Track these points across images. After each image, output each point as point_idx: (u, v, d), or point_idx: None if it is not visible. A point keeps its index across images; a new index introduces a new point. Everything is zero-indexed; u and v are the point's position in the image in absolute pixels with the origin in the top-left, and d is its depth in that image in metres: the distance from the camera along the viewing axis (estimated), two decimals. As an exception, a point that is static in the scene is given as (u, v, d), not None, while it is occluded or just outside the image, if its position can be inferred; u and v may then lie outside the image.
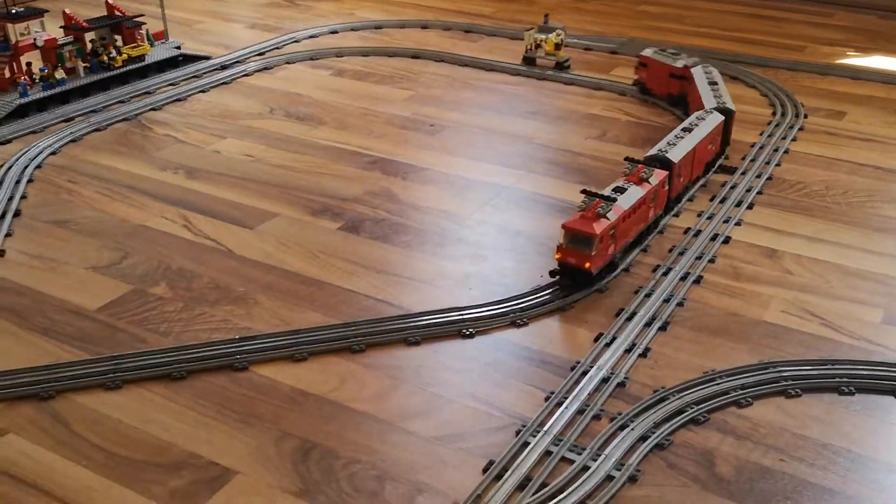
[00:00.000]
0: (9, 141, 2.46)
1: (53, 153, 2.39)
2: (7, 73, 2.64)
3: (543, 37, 3.09)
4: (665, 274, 1.82)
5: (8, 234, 1.96)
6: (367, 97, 2.88)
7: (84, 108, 2.69)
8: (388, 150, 2.49)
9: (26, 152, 2.36)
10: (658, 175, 1.91)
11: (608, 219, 1.71)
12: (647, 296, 1.74)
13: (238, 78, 3.03)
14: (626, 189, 1.81)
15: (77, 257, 1.89)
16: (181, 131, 2.58)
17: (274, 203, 2.16)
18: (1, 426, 1.38)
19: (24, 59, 2.68)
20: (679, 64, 2.68)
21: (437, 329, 1.64)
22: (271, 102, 2.82)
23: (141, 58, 2.96)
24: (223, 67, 3.11)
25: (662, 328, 1.65)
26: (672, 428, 1.39)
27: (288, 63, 3.18)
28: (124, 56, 2.90)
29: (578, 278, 1.75)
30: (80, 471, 1.30)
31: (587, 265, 1.70)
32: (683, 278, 1.81)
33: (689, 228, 2.03)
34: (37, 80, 2.68)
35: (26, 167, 2.28)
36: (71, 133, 2.50)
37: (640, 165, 1.91)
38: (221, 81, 2.98)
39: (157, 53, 3.04)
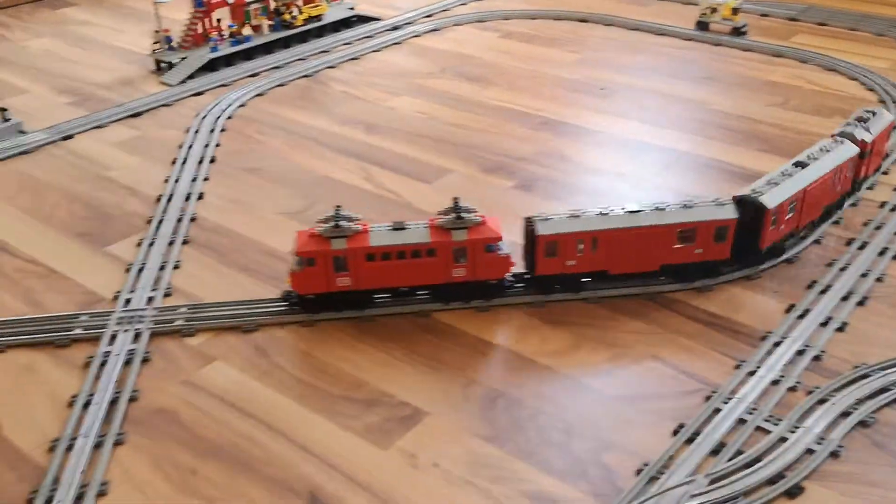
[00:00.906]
0: (201, 93, 2.57)
1: (241, 105, 2.48)
2: (200, 29, 2.75)
3: (720, 1, 2.94)
4: (861, 248, 1.70)
5: (206, 179, 2.05)
6: (536, 59, 2.83)
7: (267, 65, 2.77)
8: (558, 111, 2.44)
9: (218, 104, 2.46)
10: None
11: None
12: (843, 269, 1.63)
13: (408, 39, 3.05)
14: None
15: (268, 202, 1.95)
16: (358, 88, 2.62)
17: (449, 159, 2.16)
18: (210, 354, 1.45)
19: (214, 16, 2.79)
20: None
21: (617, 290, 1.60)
22: (441, 63, 2.82)
23: (319, 17, 3.03)
24: (394, 28, 3.13)
25: (860, 303, 1.55)
26: (877, 406, 1.30)
27: (456, 25, 3.17)
28: (305, 15, 2.97)
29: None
30: (281, 398, 1.35)
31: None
32: (881, 253, 1.68)
33: (884, 203, 1.89)
34: (226, 37, 2.78)
35: (218, 118, 2.38)
36: (257, 87, 2.59)
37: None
38: (393, 42, 3.01)
39: (333, 14, 3.10)
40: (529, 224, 1.58)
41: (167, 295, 1.61)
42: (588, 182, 2.04)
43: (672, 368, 1.41)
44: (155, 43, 2.71)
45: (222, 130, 2.30)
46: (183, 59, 2.68)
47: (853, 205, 1.88)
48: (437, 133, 2.31)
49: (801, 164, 1.69)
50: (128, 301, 1.58)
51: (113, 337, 1.47)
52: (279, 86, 2.62)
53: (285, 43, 2.92)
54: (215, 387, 1.37)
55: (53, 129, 2.29)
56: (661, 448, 1.24)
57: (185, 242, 1.78)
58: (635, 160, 2.14)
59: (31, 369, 1.42)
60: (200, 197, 1.96)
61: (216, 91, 2.58)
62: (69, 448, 1.23)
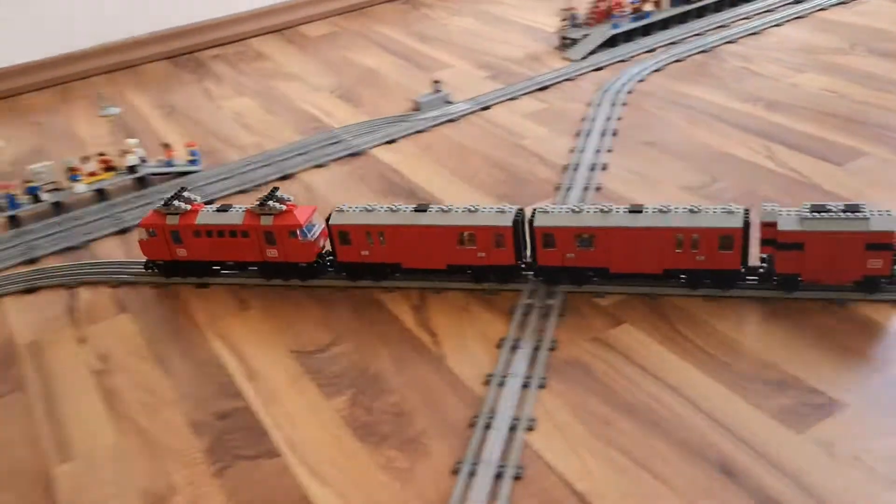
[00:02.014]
0: (601, 68, 2.64)
1: (640, 80, 2.50)
2: (604, 6, 2.81)
3: None
4: None
5: (609, 151, 2.11)
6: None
7: (665, 40, 2.75)
8: None
9: (618, 79, 2.51)
10: None
11: None
12: None
13: (813, 12, 2.83)
14: None
15: (669, 176, 1.96)
16: (757, 64, 2.50)
17: (861, 141, 1.98)
18: (619, 316, 1.51)
19: (616, -6, 2.84)
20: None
21: None
22: (851, 37, 2.58)
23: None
24: (797, 1, 2.92)
25: None
26: None
27: (869, -4, 2.87)
28: (704, -10, 2.89)
29: None
30: (685, 366, 1.36)
31: None
32: None
33: None
34: (627, 13, 2.81)
35: (619, 92, 2.43)
36: (655, 63, 2.59)
37: None
38: (796, 15, 2.81)
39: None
40: None
41: (578, 257, 1.70)
42: None
43: None
44: (563, 21, 2.83)
45: (623, 105, 2.35)
46: (585, 35, 2.77)
47: None
48: (847, 112, 2.13)
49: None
50: (543, 259, 1.70)
51: (533, 291, 1.60)
52: (676, 61, 2.59)
53: (682, 18, 2.88)
54: (624, 347, 1.43)
55: (474, 100, 2.51)
56: None
57: (592, 210, 1.87)
58: None
59: (466, 310, 1.59)
60: (604, 168, 2.03)
61: (616, 66, 2.63)
62: (501, 384, 1.37)
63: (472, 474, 1.21)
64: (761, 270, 1.53)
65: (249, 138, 2.47)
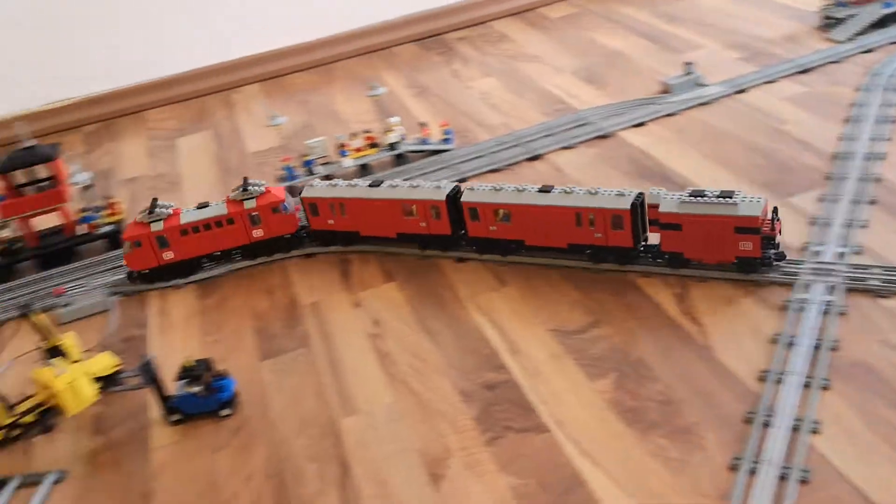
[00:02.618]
0: (871, 50, 2.40)
1: (918, 63, 2.26)
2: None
3: None
4: None
5: (888, 139, 1.92)
6: None
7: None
8: None
9: (891, 61, 2.28)
10: None
11: None
12: None
13: None
14: None
15: (961, 169, 1.76)
16: None
17: None
18: (911, 319, 1.38)
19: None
20: None
21: None
22: None
23: None
24: None
25: None
26: None
27: None
28: None
29: None
30: None
31: None
32: None
33: None
34: (902, -11, 2.54)
35: (892, 76, 2.20)
36: (936, 43, 2.33)
37: None
38: None
39: None
40: None
41: (857, 253, 1.56)
42: None
43: None
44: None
45: (898, 89, 2.14)
46: (852, 15, 2.53)
47: None
48: None
49: None
50: (816, 253, 1.58)
51: (806, 286, 1.49)
52: (960, 42, 2.31)
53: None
54: (918, 354, 1.30)
55: (728, 82, 2.37)
56: None
57: (871, 202, 1.71)
58: None
59: (731, 302, 1.52)
60: (882, 158, 1.85)
61: (888, 48, 2.39)
62: (778, 381, 1.30)
63: (752, 472, 1.15)
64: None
65: (497, 118, 2.50)
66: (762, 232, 1.53)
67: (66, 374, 1.45)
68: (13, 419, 1.51)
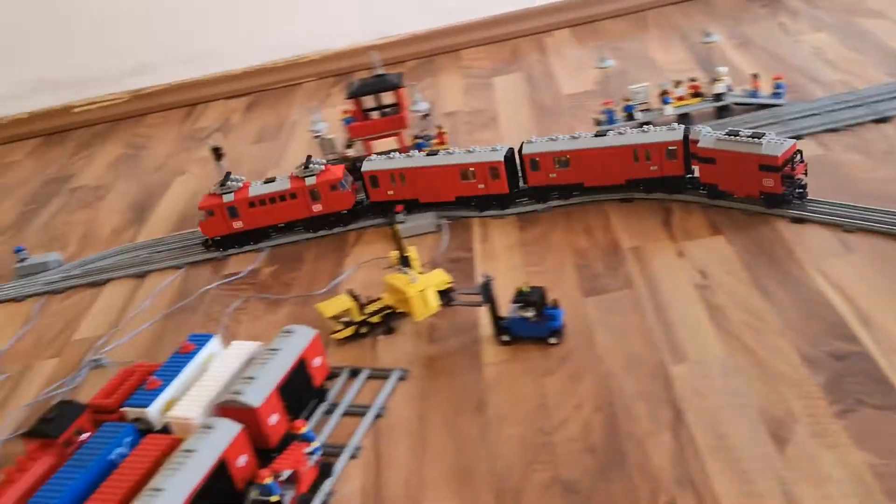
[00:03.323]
0: None
1: None
2: None
3: None
4: None
5: None
6: None
7: None
8: None
9: None
10: None
11: None
12: None
13: None
14: None
15: None
16: None
17: None
18: None
19: None
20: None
21: None
22: None
23: None
24: None
25: None
26: None
27: None
28: None
29: None
30: None
31: None
32: None
33: None
34: None
35: None
36: None
37: None
38: None
39: None
40: None
41: None
42: None
43: None
44: None
45: None
46: None
47: None
48: None
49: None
50: None
51: None
52: None
53: None
54: None
55: None
56: None
57: None
58: None
59: None
60: None
61: None
62: None
63: None
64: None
65: (833, 75, 2.27)
66: (783, 170, 1.67)
67: (418, 282, 1.55)
68: (363, 318, 1.65)
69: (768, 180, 1.68)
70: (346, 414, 1.47)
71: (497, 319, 1.54)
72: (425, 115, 2.23)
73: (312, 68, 3.26)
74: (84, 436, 1.37)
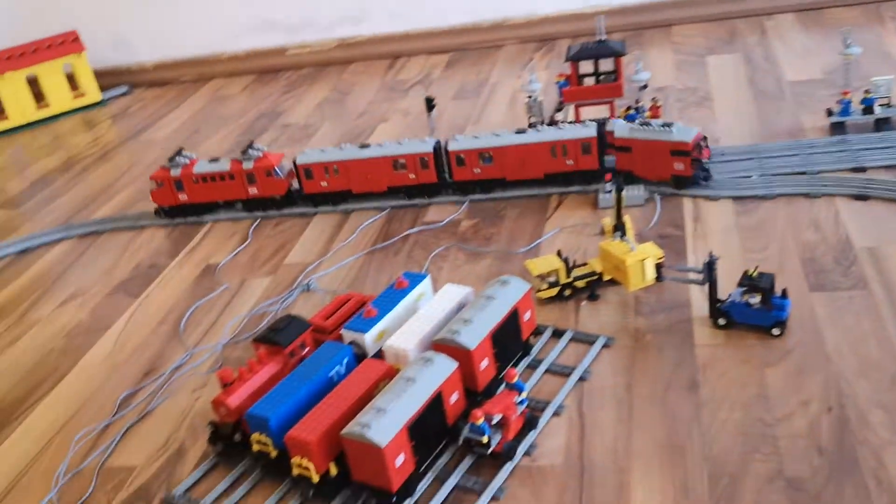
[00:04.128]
0: None
1: None
2: None
3: None
4: None
5: None
6: None
7: None
8: None
9: None
10: None
11: None
12: None
13: None
14: None
15: None
16: None
17: None
18: None
19: None
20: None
21: None
22: None
23: None
24: None
25: None
26: None
27: None
28: None
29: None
30: None
31: None
32: None
33: None
34: None
35: None
36: None
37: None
38: None
39: None
40: None
41: None
42: None
43: None
44: None
45: None
46: None
47: None
48: None
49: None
50: None
51: None
52: None
53: None
54: None
55: None
56: None
57: None
58: None
59: None
60: None
61: None
62: None
63: None
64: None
65: None
66: (692, 155, 1.84)
67: (637, 252, 1.49)
68: (569, 281, 1.62)
69: (679, 164, 1.86)
70: (548, 371, 1.45)
71: (715, 301, 1.46)
72: (643, 87, 2.14)
73: (515, 31, 3.23)
74: (305, 350, 1.43)
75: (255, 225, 2.17)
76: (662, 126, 1.88)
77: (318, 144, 2.62)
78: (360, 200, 2.14)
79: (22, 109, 3.35)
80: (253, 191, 2.17)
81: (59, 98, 3.41)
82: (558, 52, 3.04)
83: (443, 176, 2.08)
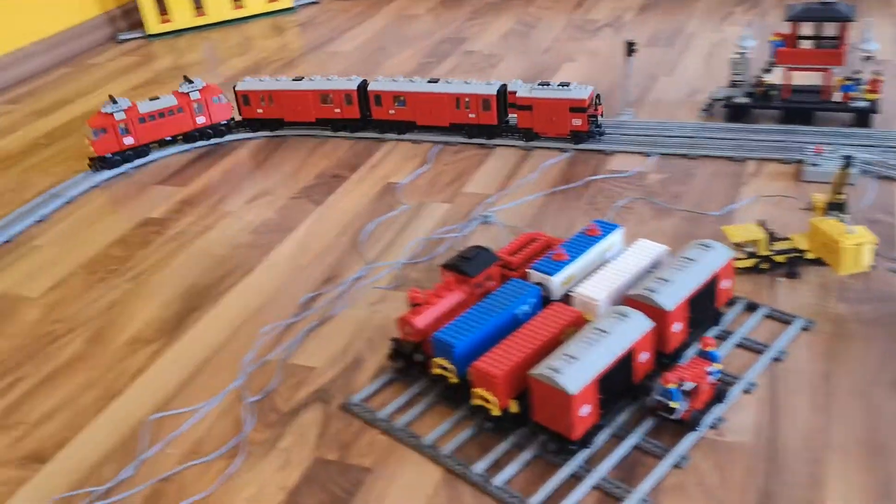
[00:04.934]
0: None
1: None
2: None
3: None
4: None
5: None
6: None
7: None
8: None
9: None
10: None
11: None
12: None
13: None
14: None
15: None
16: None
17: None
18: None
19: None
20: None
21: None
22: None
23: None
24: None
25: None
26: None
27: None
28: None
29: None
30: None
31: None
32: None
33: None
34: None
35: None
36: None
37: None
38: None
39: None
40: None
41: None
42: None
43: None
44: None
45: None
46: None
47: None
48: None
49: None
50: None
51: None
52: None
53: None
54: None
55: None
56: None
57: None
58: None
59: None
60: None
61: None
62: None
63: None
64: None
65: None
66: (588, 111, 1.98)
67: (857, 234, 1.37)
68: (768, 254, 1.51)
69: (577, 120, 1.99)
70: (739, 345, 1.37)
71: (937, 301, 1.33)
72: (868, 58, 1.94)
73: (717, -19, 3.01)
74: (491, 283, 1.41)
75: (435, 150, 2.16)
76: (560, 85, 2.01)
77: (501, 76, 2.56)
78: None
79: (219, 7, 3.46)
80: (201, 120, 2.30)
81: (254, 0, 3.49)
82: (762, 9, 2.81)
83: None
